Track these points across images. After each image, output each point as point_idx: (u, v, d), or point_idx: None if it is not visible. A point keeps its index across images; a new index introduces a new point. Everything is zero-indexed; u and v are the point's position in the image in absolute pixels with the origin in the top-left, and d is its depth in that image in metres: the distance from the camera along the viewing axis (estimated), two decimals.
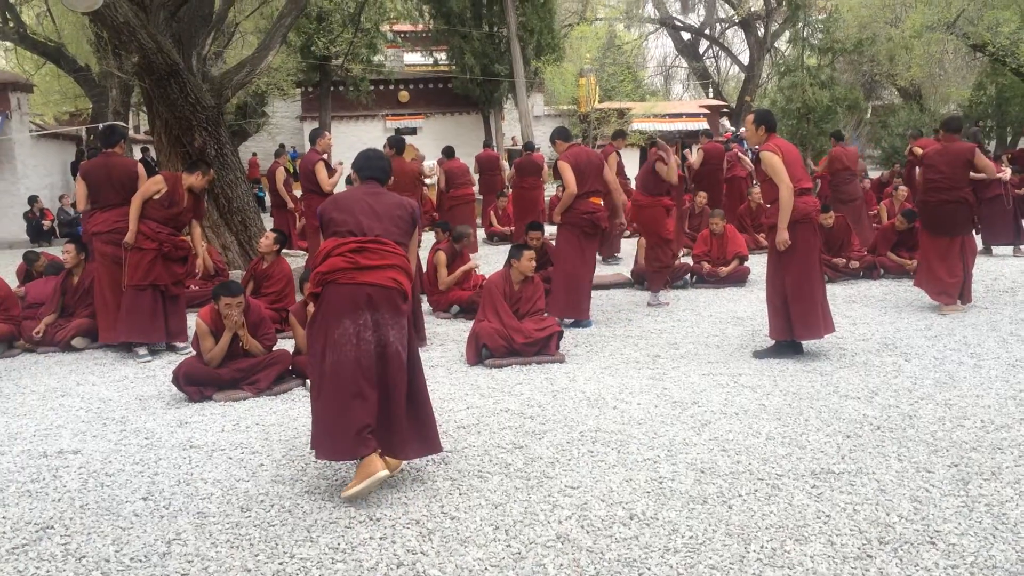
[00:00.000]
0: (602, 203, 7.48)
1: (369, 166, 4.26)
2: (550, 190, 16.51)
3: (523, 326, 6.41)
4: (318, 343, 3.89)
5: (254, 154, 25.60)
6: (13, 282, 8.51)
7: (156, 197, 6.92)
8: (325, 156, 8.83)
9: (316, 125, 24.69)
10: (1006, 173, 10.85)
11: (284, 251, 10.84)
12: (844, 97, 20.99)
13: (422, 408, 4.06)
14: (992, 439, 4.34)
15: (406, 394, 3.95)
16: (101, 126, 14.21)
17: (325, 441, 3.84)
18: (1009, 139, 24.83)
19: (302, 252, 11.51)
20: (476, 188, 14.17)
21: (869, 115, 26.80)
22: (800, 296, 6.04)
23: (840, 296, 8.41)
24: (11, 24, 16.59)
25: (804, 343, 6.24)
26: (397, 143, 9.01)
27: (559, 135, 7.56)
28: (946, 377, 5.50)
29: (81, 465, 4.42)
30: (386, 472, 3.77)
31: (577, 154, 7.34)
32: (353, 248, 3.87)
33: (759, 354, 6.27)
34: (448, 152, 13.64)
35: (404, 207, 4.12)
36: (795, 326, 6.08)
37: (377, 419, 3.84)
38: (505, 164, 16.87)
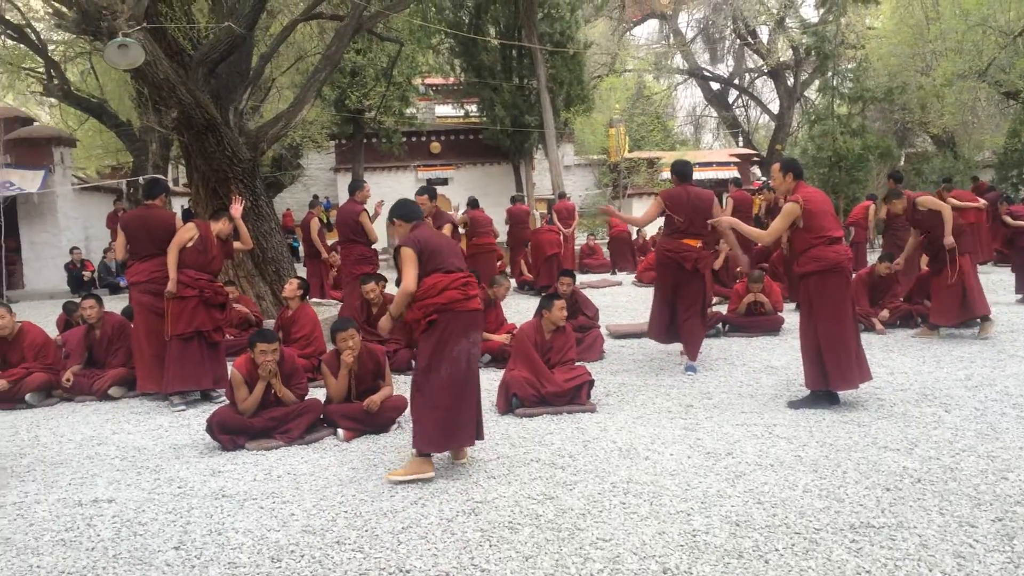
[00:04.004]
0: (699, 245, 7.34)
1: (416, 212, 5.06)
2: (580, 238, 16.60)
3: (553, 376, 6.39)
4: (436, 359, 4.75)
5: (288, 209, 26.00)
6: (54, 332, 8.67)
7: (190, 244, 7.06)
8: (365, 207, 9.20)
9: (349, 176, 25.06)
10: None
11: (317, 301, 11.00)
12: (876, 145, 20.92)
13: None
14: None
15: None
16: (142, 179, 14.56)
17: (438, 437, 4.75)
18: None
19: (335, 302, 11.60)
20: (499, 239, 15.07)
21: (903, 162, 26.66)
22: (833, 346, 5.96)
23: (876, 345, 8.29)
24: (56, 81, 17.17)
25: (840, 393, 6.15)
26: (429, 191, 9.76)
27: (677, 170, 7.55)
28: (988, 428, 5.38)
29: (115, 514, 4.45)
30: (432, 474, 4.73)
31: (679, 192, 7.36)
32: (463, 282, 4.84)
33: (794, 404, 6.18)
34: (472, 203, 14.33)
35: (454, 241, 5.20)
36: (830, 376, 5.99)
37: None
38: (536, 213, 17.41)
